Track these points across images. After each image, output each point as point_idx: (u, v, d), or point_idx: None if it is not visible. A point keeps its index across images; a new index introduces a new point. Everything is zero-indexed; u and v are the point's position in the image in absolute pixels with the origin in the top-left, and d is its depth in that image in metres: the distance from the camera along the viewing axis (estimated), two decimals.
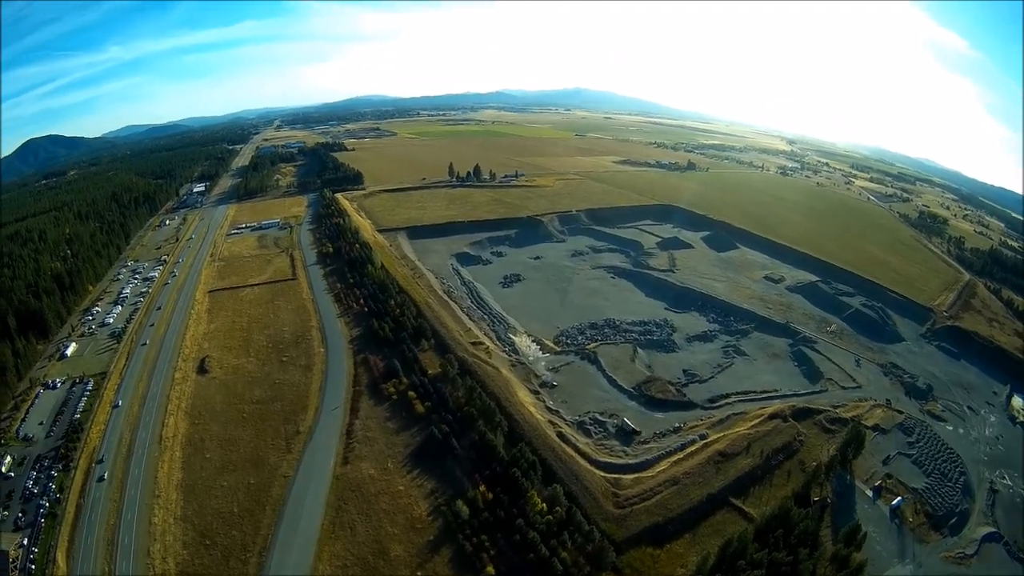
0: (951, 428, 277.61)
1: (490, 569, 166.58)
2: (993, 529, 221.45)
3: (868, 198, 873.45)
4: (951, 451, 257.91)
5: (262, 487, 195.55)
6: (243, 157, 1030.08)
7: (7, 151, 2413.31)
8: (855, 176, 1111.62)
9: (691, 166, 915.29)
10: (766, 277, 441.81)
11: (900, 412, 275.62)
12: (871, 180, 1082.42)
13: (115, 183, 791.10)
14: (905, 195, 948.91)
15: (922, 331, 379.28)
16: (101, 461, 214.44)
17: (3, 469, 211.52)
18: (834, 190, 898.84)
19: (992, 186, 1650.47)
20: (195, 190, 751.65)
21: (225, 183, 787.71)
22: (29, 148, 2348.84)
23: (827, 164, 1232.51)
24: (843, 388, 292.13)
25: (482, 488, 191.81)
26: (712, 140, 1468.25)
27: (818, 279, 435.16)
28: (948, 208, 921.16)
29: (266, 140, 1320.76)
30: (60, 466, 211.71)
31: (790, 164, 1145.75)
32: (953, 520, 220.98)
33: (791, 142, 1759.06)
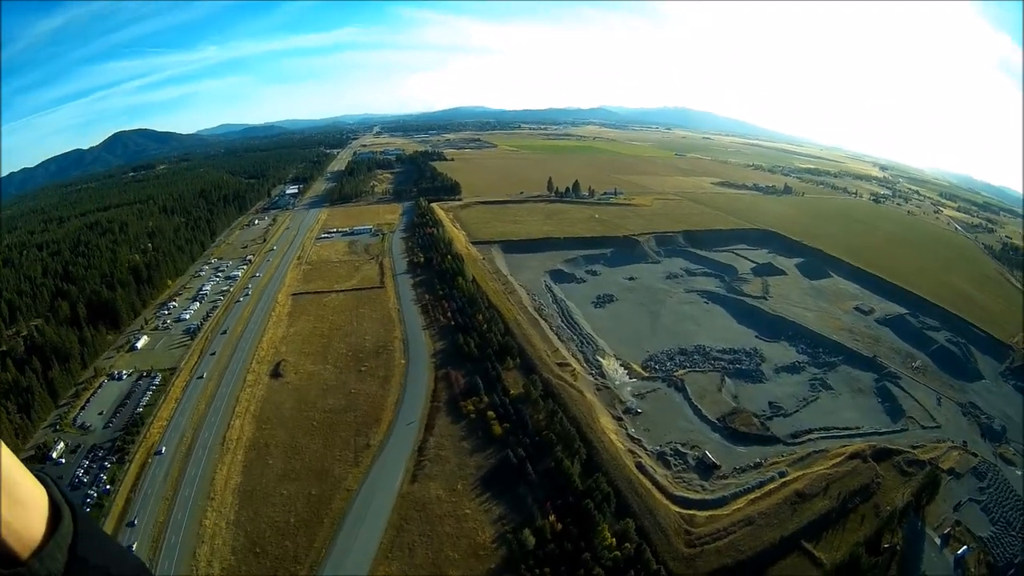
0: (1020, 473, 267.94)
1: None
2: None
3: (956, 228, 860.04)
4: (1018, 498, 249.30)
5: (323, 499, 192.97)
6: (339, 161, 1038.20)
7: (94, 142, 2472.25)
8: (943, 205, 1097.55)
9: (787, 190, 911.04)
10: (856, 308, 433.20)
11: (975, 455, 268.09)
12: (958, 209, 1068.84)
13: (205, 180, 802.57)
14: (990, 226, 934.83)
15: (1001, 369, 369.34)
16: (159, 453, 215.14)
17: (54, 455, 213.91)
18: (924, 219, 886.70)
19: None
20: (288, 192, 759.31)
21: (319, 186, 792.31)
22: (118, 140, 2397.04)
23: (917, 192, 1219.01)
24: (923, 428, 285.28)
25: (552, 518, 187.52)
26: (807, 164, 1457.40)
27: (906, 311, 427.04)
28: None
29: (364, 146, 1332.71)
30: (115, 458, 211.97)
31: (882, 191, 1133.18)
32: (1011, 572, 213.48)
33: (883, 168, 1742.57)
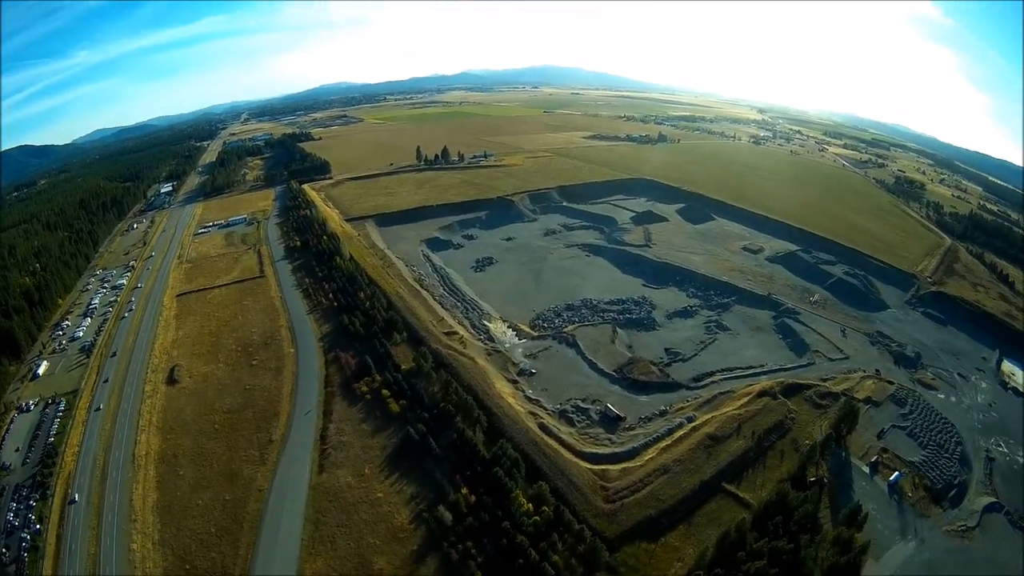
0: (943, 397, 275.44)
1: None
2: (993, 499, 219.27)
3: (843, 165, 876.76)
4: (945, 421, 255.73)
5: (238, 503, 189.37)
6: (211, 153, 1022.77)
7: None
8: (828, 143, 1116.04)
9: (662, 138, 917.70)
10: (745, 248, 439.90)
11: (891, 383, 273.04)
12: (844, 147, 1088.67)
13: (83, 189, 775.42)
14: (880, 161, 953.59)
15: (907, 298, 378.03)
16: (80, 489, 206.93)
17: None
18: (808, 158, 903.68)
19: (968, 150, 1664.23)
20: (163, 191, 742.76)
21: (192, 181, 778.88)
22: (1, 161, 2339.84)
23: (799, 132, 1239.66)
24: (830, 360, 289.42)
25: (464, 490, 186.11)
26: (681, 112, 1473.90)
27: (798, 248, 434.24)
28: (924, 173, 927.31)
29: (233, 134, 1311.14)
30: (38, 495, 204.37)
31: (762, 133, 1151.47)
32: (952, 492, 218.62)
33: (762, 111, 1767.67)
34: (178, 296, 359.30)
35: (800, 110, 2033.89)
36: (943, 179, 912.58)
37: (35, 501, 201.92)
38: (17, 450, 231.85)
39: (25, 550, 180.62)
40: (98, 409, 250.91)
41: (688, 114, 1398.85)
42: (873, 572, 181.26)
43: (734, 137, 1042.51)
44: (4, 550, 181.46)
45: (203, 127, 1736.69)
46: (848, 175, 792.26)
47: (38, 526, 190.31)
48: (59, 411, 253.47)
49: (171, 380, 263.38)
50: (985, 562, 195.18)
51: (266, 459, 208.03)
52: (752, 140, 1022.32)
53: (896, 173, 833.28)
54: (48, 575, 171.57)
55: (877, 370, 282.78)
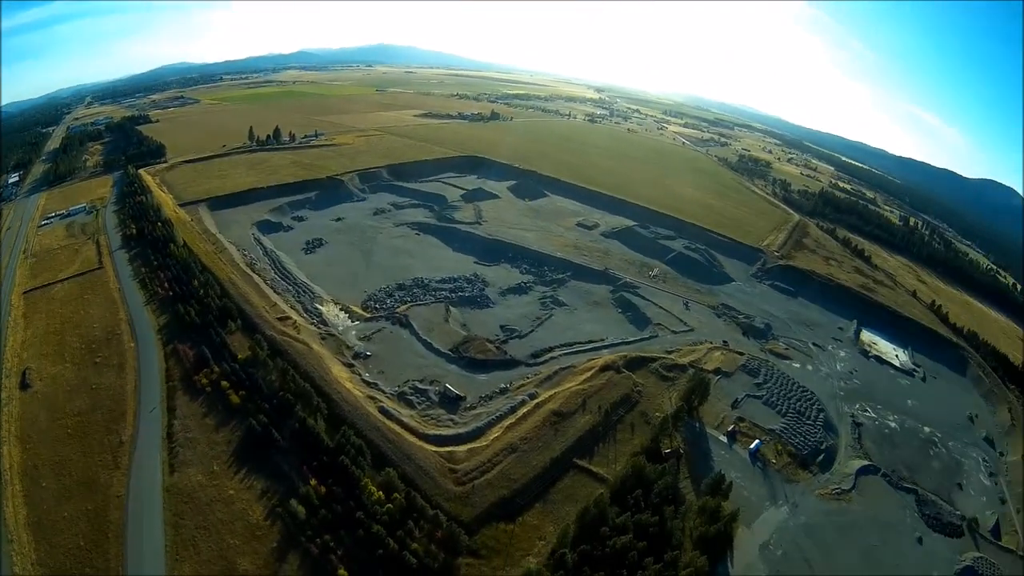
0: (798, 366, 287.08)
1: (342, 572, 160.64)
2: (867, 462, 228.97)
3: (683, 143, 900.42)
4: (804, 389, 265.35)
5: (99, 513, 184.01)
6: (55, 140, 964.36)
7: None
8: (668, 122, 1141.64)
9: (495, 116, 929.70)
10: (579, 224, 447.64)
11: (741, 353, 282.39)
12: (686, 126, 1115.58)
13: None
14: (723, 140, 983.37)
15: (752, 271, 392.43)
16: None
17: None
18: (647, 136, 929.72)
19: (819, 132, 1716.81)
20: (10, 181, 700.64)
21: (38, 170, 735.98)
22: None
23: (638, 111, 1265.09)
24: (674, 333, 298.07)
25: (313, 482, 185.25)
26: (516, 90, 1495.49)
27: (635, 223, 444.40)
28: (771, 152, 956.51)
29: (77, 119, 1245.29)
30: None
31: (598, 111, 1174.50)
32: (820, 457, 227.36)
33: (599, 90, 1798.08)
34: (24, 293, 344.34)
35: (640, 90, 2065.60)
36: (791, 158, 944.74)
37: None
38: None
39: None
40: None
41: (523, 93, 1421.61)
42: (747, 539, 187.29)
43: (569, 115, 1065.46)
44: None
45: (50, 112, 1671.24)
46: (689, 153, 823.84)
47: None
48: None
49: (23, 384, 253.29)
50: (868, 522, 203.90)
51: (119, 462, 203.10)
52: (588, 118, 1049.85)
53: (740, 152, 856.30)
54: None
55: (725, 341, 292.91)
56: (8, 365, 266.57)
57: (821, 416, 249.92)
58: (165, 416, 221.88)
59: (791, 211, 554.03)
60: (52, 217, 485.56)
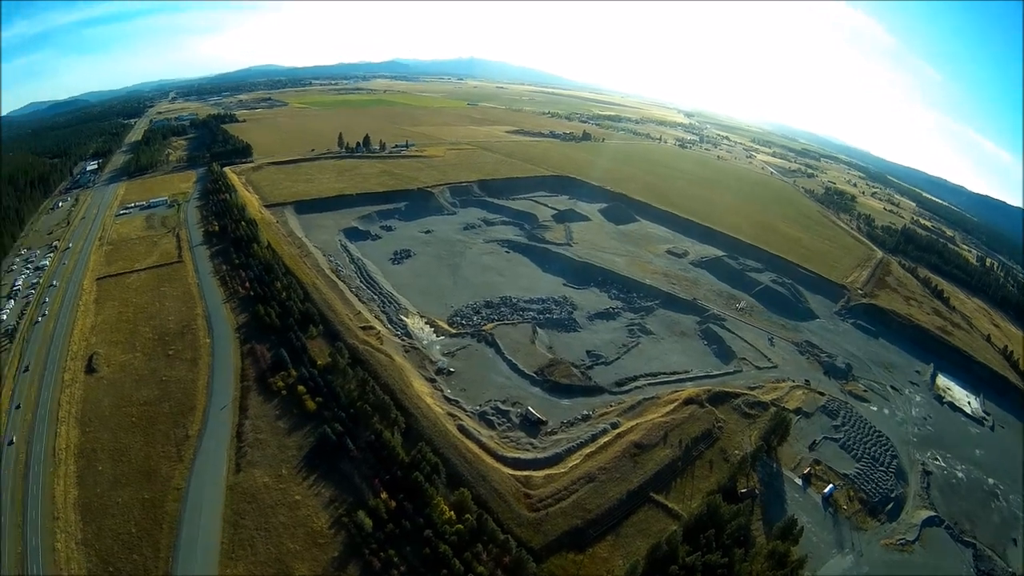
0: (876, 409, 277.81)
1: None
2: (932, 513, 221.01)
3: (771, 172, 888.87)
4: (879, 433, 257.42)
5: (156, 503, 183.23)
6: (136, 132, 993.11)
7: None
8: (757, 150, 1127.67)
9: (586, 137, 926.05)
10: (669, 251, 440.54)
11: (822, 393, 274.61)
12: (773, 155, 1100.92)
13: (12, 164, 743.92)
14: (810, 171, 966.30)
15: (836, 309, 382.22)
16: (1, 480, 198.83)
17: None
18: (736, 164, 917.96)
19: (902, 166, 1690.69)
20: (88, 168, 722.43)
21: (118, 160, 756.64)
22: None
23: (727, 138, 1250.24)
24: (758, 368, 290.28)
25: (384, 495, 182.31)
26: (607, 111, 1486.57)
27: (724, 254, 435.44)
28: (855, 185, 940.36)
29: (160, 113, 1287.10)
30: None
31: (689, 136, 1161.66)
32: (890, 505, 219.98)
33: (689, 115, 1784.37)
34: (98, 279, 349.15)
35: (729, 116, 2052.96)
36: (875, 192, 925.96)
37: None
38: None
39: None
40: (18, 407, 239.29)
41: (614, 114, 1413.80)
42: None
43: (660, 139, 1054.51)
44: None
45: (132, 104, 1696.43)
46: (777, 183, 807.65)
47: None
48: None
49: (90, 369, 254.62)
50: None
51: (183, 456, 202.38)
52: (678, 143, 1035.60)
53: (826, 184, 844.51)
54: None
55: (807, 380, 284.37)
56: (75, 348, 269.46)
57: (894, 463, 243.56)
58: (236, 415, 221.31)
59: (874, 247, 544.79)
60: (131, 207, 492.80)
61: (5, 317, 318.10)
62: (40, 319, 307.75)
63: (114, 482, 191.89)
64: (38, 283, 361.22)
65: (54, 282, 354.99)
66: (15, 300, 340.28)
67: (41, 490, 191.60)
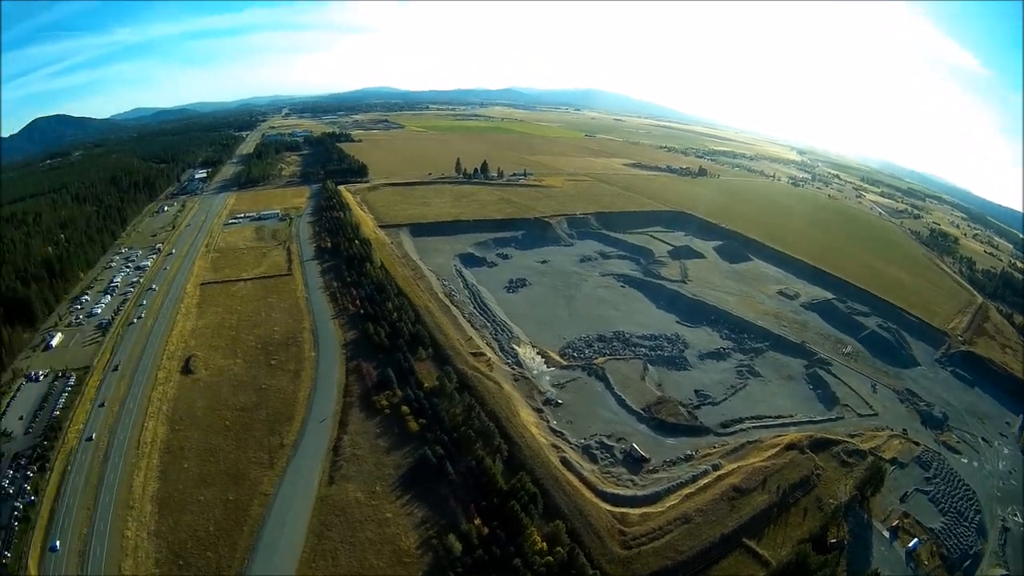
0: (966, 461, 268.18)
1: None
2: (1005, 572, 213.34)
3: (879, 213, 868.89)
4: (967, 487, 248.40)
5: (241, 505, 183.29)
6: (248, 144, 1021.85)
7: (13, 130, 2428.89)
8: (865, 189, 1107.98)
9: (702, 172, 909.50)
10: (780, 292, 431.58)
11: (917, 444, 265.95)
12: (881, 195, 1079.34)
13: (116, 166, 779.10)
14: (916, 211, 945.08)
15: (937, 355, 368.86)
16: (81, 464, 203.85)
17: None
18: (846, 203, 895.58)
19: (999, 206, 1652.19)
20: (197, 176, 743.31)
21: (228, 170, 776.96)
22: (36, 127, 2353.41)
23: (838, 176, 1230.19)
24: (859, 415, 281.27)
25: (477, 521, 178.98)
26: (722, 147, 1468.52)
27: (833, 297, 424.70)
28: (958, 227, 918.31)
29: (272, 128, 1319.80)
30: (36, 467, 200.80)
31: (801, 175, 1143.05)
32: (967, 563, 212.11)
33: (801, 152, 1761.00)
34: (202, 285, 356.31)
35: (838, 154, 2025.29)
36: (976, 234, 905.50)
37: (32, 472, 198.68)
38: (21, 418, 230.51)
39: (16, 519, 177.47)
40: (102, 405, 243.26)
41: (729, 150, 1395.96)
42: None
43: (774, 177, 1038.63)
44: None
45: (243, 117, 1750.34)
46: (884, 224, 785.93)
47: (32, 497, 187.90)
48: (68, 385, 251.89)
49: (186, 370, 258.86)
50: None
51: (275, 463, 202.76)
52: (791, 181, 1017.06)
53: (931, 225, 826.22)
54: (37, 548, 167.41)
55: (904, 430, 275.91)
56: (172, 348, 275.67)
57: (977, 518, 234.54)
58: (335, 429, 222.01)
59: (975, 293, 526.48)
60: (241, 217, 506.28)
61: (100, 311, 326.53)
62: (136, 320, 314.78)
63: (199, 480, 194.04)
64: (138, 282, 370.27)
65: (154, 285, 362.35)
66: (112, 296, 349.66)
67: (119, 479, 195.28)
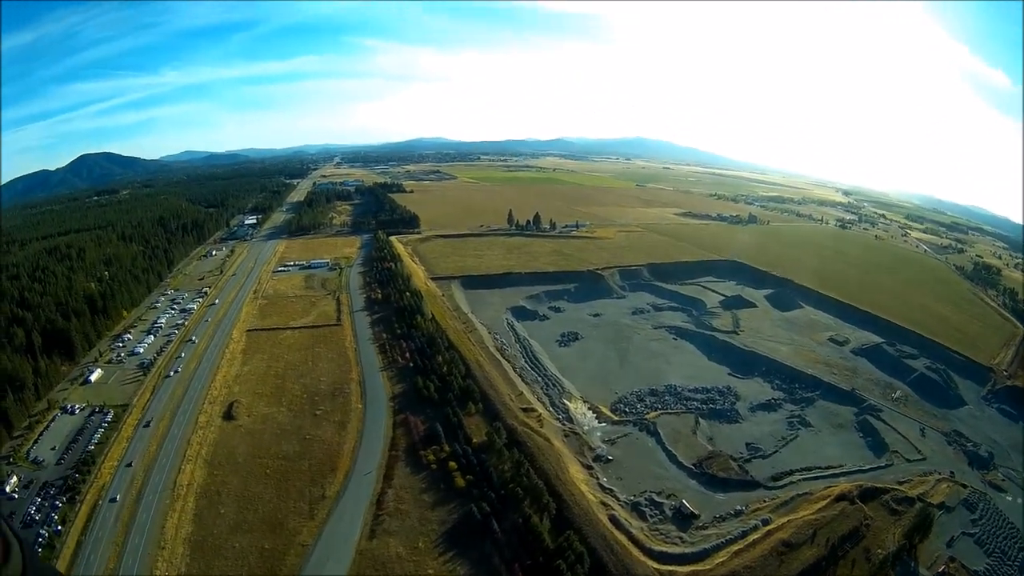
0: (1011, 499, 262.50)
1: None
2: None
3: (925, 250, 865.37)
4: (1011, 525, 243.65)
5: (277, 554, 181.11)
6: (299, 192, 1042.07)
7: (59, 163, 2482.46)
8: (910, 227, 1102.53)
9: (752, 219, 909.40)
10: (831, 339, 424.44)
11: (964, 486, 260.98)
12: (925, 231, 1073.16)
13: (164, 207, 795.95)
14: (959, 246, 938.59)
15: (983, 393, 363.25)
16: (113, 500, 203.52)
17: (7, 488, 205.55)
18: (892, 243, 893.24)
19: None
20: (246, 222, 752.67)
21: (278, 217, 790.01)
22: (83, 163, 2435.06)
23: (883, 216, 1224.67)
24: (908, 461, 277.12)
25: None
26: (770, 192, 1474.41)
27: (883, 341, 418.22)
28: (1000, 258, 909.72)
29: (324, 176, 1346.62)
30: (66, 497, 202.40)
31: (848, 216, 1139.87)
32: None
33: (846, 193, 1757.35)
34: (248, 331, 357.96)
35: (881, 191, 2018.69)
36: (1018, 263, 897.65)
37: (61, 503, 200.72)
38: (53, 448, 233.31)
39: (40, 545, 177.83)
40: (147, 425, 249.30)
41: (776, 195, 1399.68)
42: None
43: (821, 220, 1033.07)
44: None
45: (294, 165, 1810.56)
46: (930, 261, 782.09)
47: (59, 527, 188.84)
48: (105, 421, 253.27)
49: (228, 415, 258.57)
50: None
51: (315, 514, 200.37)
52: (838, 224, 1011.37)
53: (974, 259, 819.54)
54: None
55: (952, 472, 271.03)
56: (215, 392, 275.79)
57: (1020, 556, 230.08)
58: (379, 483, 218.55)
59: (1019, 324, 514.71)
60: (290, 265, 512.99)
61: (142, 351, 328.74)
62: (179, 361, 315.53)
63: (235, 527, 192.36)
64: (182, 324, 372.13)
65: (200, 329, 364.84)
66: (155, 336, 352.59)
67: (151, 519, 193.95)
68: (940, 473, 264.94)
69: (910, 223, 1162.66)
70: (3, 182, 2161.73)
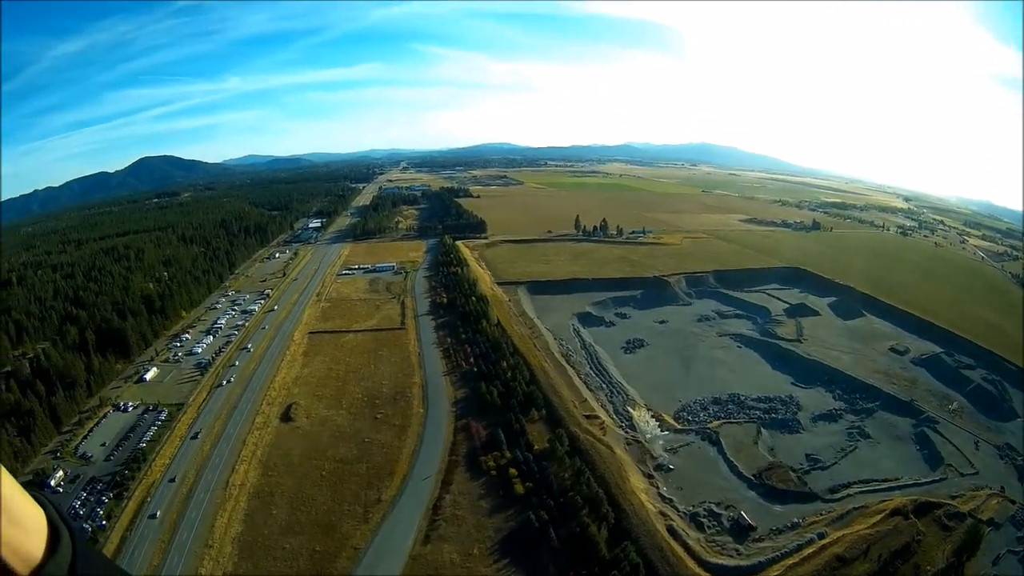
0: None
1: None
2: None
3: (982, 258, 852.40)
4: None
5: (328, 556, 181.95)
6: (364, 196, 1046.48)
7: (119, 166, 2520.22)
8: (968, 234, 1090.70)
9: (816, 225, 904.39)
10: (892, 349, 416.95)
11: (1013, 502, 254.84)
12: (983, 238, 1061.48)
13: (226, 210, 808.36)
14: (1015, 253, 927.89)
15: None
16: (162, 498, 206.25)
17: (52, 483, 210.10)
18: (951, 250, 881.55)
19: None
20: (311, 225, 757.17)
21: (343, 221, 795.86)
22: (144, 165, 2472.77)
23: (942, 222, 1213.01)
24: (961, 475, 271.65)
25: None
26: (832, 198, 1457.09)
27: (942, 350, 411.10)
28: None
29: (390, 181, 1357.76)
30: (113, 493, 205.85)
31: (908, 223, 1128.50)
32: None
33: (907, 199, 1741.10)
34: (310, 333, 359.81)
35: (940, 197, 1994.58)
36: None
37: (108, 498, 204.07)
38: (103, 445, 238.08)
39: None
40: (195, 436, 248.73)
41: (839, 200, 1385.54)
42: None
43: (883, 227, 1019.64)
44: None
45: (360, 169, 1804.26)
46: (987, 269, 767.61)
47: (104, 522, 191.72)
48: (158, 419, 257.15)
49: (286, 417, 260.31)
50: None
51: (369, 518, 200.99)
52: (899, 230, 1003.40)
53: None
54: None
55: (1002, 487, 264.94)
56: (273, 394, 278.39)
57: None
58: (437, 488, 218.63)
59: None
60: (355, 268, 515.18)
61: (200, 351, 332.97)
62: (238, 363, 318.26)
63: (286, 528, 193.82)
64: (243, 325, 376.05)
65: (262, 328, 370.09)
66: (214, 337, 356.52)
67: (200, 517, 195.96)
68: (991, 488, 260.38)
69: (968, 229, 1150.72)
70: (57, 185, 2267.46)
